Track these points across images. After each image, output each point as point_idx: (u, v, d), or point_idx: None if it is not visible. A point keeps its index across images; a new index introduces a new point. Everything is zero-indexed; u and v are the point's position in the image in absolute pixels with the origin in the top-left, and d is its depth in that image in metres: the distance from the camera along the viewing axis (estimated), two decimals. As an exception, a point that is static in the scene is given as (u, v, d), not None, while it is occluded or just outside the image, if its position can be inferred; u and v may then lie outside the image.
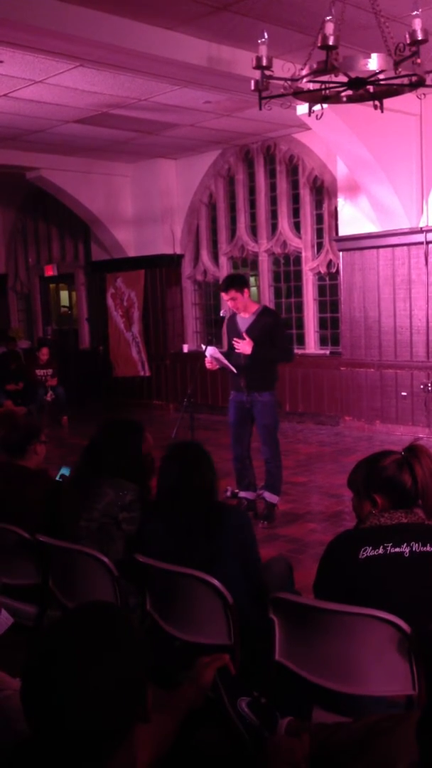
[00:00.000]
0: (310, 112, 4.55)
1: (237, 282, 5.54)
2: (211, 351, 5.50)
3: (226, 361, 5.45)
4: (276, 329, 5.57)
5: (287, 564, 3.14)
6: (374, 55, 3.80)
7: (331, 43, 3.60)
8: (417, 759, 1.24)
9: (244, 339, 5.37)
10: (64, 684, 1.15)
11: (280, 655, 2.34)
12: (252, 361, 5.38)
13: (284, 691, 2.33)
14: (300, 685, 2.28)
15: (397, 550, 2.27)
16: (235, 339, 5.41)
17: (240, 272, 10.10)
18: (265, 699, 1.98)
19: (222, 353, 5.55)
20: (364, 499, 2.46)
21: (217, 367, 5.54)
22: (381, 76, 3.92)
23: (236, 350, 5.38)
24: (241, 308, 5.51)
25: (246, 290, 5.54)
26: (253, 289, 10.60)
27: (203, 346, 5.64)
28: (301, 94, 4.14)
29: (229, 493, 5.76)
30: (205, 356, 5.53)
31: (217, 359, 5.47)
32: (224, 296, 5.55)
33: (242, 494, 5.68)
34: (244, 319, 5.54)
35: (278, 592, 2.36)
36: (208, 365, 5.54)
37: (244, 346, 5.33)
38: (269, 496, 5.62)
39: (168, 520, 2.84)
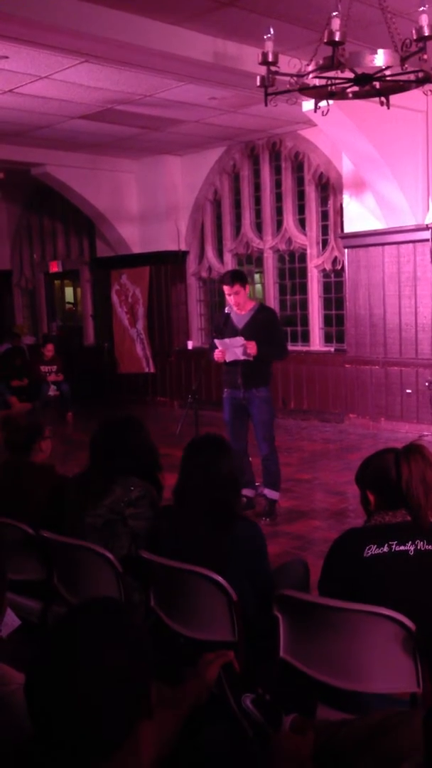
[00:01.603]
0: (316, 108, 4.53)
1: (241, 276, 5.56)
2: (219, 343, 5.46)
3: (238, 350, 5.36)
4: (273, 327, 5.55)
5: (305, 567, 3.11)
6: (380, 51, 3.79)
7: (337, 38, 3.59)
8: (422, 756, 1.24)
9: (238, 335, 5.37)
10: (67, 680, 1.16)
11: (284, 653, 2.34)
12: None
13: (289, 688, 2.33)
14: (304, 683, 2.28)
15: (402, 548, 2.27)
16: (244, 342, 5.35)
17: (243, 269, 10.08)
18: (270, 696, 1.98)
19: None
20: (363, 495, 2.47)
21: (224, 359, 5.48)
22: (387, 72, 3.91)
23: (247, 351, 5.33)
24: (241, 304, 5.50)
25: (247, 287, 5.55)
26: (258, 286, 10.59)
27: (216, 341, 5.57)
28: (306, 90, 4.13)
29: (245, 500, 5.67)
30: (216, 346, 5.48)
31: (228, 344, 5.40)
32: (227, 290, 5.48)
33: (242, 491, 5.66)
34: (240, 317, 5.53)
35: (283, 590, 2.36)
36: (218, 356, 5.48)
37: (252, 347, 5.30)
38: (270, 493, 5.61)
39: (179, 516, 2.82)
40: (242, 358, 5.37)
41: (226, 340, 5.43)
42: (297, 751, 1.59)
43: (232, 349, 5.39)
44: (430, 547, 2.28)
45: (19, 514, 3.21)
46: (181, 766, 1.76)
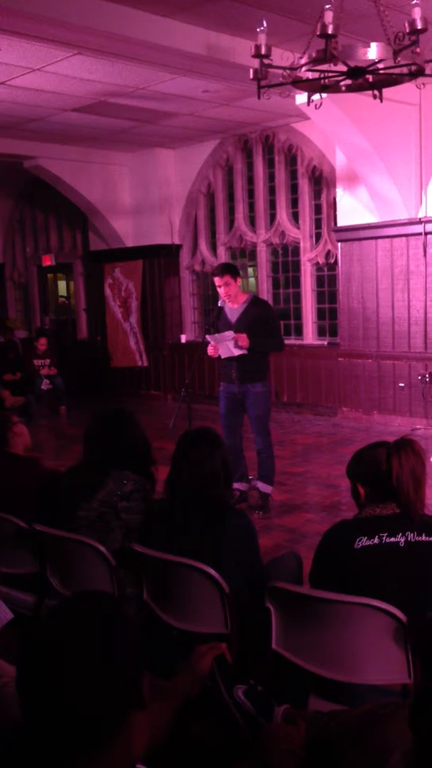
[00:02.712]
0: (309, 101, 4.53)
1: (231, 268, 5.54)
2: (210, 339, 5.47)
3: (230, 344, 5.35)
4: (267, 318, 5.54)
5: (298, 560, 3.12)
6: (373, 44, 3.79)
7: (330, 31, 3.59)
8: (411, 748, 1.25)
9: (233, 330, 5.36)
10: (59, 673, 1.16)
11: (276, 644, 2.36)
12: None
13: (281, 679, 2.34)
14: (296, 674, 2.30)
15: (393, 539, 2.28)
16: (234, 335, 5.34)
17: (236, 263, 10.08)
18: (262, 687, 1.99)
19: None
20: (353, 488, 2.48)
21: (218, 355, 5.48)
22: (380, 66, 3.90)
23: (237, 344, 5.32)
24: (232, 296, 5.48)
25: (238, 279, 5.53)
26: (251, 280, 10.58)
27: (207, 337, 5.57)
28: (299, 83, 4.12)
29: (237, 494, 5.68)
30: (209, 342, 5.48)
31: (219, 338, 5.40)
32: (217, 281, 5.46)
33: (235, 485, 5.66)
34: (233, 310, 5.51)
35: (275, 582, 2.37)
36: (210, 352, 5.49)
37: (243, 340, 5.29)
38: (263, 486, 5.62)
39: (171, 509, 2.83)
40: (236, 353, 5.37)
41: (217, 335, 5.43)
42: (288, 741, 1.61)
43: (225, 344, 5.38)
44: (420, 538, 2.30)
45: (8, 506, 3.21)
46: (173, 757, 1.77)
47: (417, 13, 3.68)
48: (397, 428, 8.19)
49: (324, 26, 3.58)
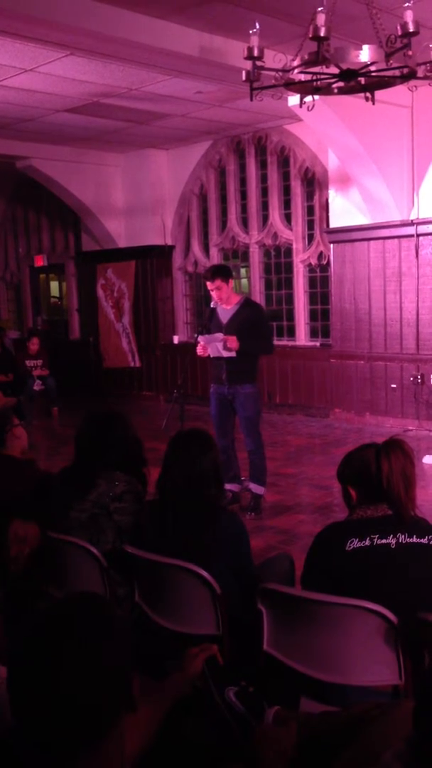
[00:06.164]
0: (302, 103, 4.54)
1: (222, 271, 5.52)
2: (201, 339, 5.48)
3: (219, 345, 5.36)
4: (258, 321, 5.55)
5: (290, 561, 3.12)
6: (366, 47, 3.79)
7: (322, 34, 3.59)
8: (403, 747, 1.26)
9: (223, 331, 5.36)
10: (49, 674, 1.16)
11: (268, 646, 2.36)
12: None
13: (272, 680, 2.34)
14: (288, 675, 2.30)
15: (384, 541, 2.29)
16: (223, 337, 5.35)
17: (227, 264, 10.08)
18: (253, 688, 2.00)
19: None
20: (344, 490, 2.48)
21: (207, 354, 5.49)
22: (372, 68, 3.91)
23: (227, 345, 5.33)
24: (224, 299, 5.49)
25: (231, 281, 5.53)
26: (244, 281, 10.59)
27: (196, 336, 5.58)
28: (292, 85, 4.13)
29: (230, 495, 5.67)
30: (198, 342, 5.48)
31: (209, 339, 5.40)
32: (209, 285, 5.47)
33: (227, 486, 5.65)
34: (226, 311, 5.52)
35: (267, 583, 2.37)
36: (200, 351, 5.49)
37: (232, 342, 5.30)
38: (255, 488, 5.62)
39: (163, 510, 2.83)
40: (225, 354, 5.38)
41: (207, 336, 5.44)
42: (279, 742, 1.61)
43: (214, 344, 5.40)
44: (411, 540, 2.30)
45: (2, 507, 3.20)
46: (165, 758, 1.77)
47: (409, 16, 3.70)
48: (389, 429, 8.20)
49: (316, 28, 3.59)
